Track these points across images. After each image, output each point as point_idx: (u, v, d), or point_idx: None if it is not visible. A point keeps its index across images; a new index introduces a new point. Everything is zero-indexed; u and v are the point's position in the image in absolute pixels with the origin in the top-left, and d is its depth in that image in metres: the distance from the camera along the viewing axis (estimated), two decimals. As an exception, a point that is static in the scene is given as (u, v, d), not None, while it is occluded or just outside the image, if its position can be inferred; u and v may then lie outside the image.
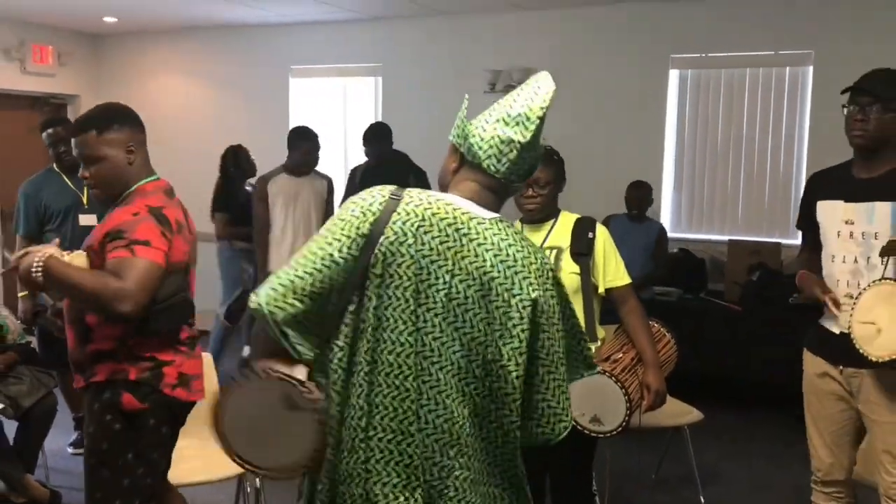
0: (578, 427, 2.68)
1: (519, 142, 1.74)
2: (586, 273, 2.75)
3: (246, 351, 5.61)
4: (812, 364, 2.83)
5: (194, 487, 3.12)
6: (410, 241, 1.67)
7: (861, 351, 2.47)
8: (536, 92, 1.78)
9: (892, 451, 2.61)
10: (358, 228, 1.68)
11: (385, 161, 5.46)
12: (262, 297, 1.67)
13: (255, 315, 1.69)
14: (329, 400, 1.70)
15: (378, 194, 1.73)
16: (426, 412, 1.66)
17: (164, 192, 2.76)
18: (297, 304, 1.66)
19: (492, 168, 1.75)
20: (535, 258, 1.73)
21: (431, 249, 1.67)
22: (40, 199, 4.26)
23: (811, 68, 5.53)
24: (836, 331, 2.67)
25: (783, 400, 5.16)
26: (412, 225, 1.67)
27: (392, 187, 1.75)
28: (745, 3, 5.60)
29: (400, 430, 1.66)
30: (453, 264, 1.66)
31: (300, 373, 1.68)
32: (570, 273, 2.75)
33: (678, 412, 3.88)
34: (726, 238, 5.69)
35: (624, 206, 5.54)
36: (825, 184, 2.81)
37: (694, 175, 5.97)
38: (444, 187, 1.83)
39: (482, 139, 1.75)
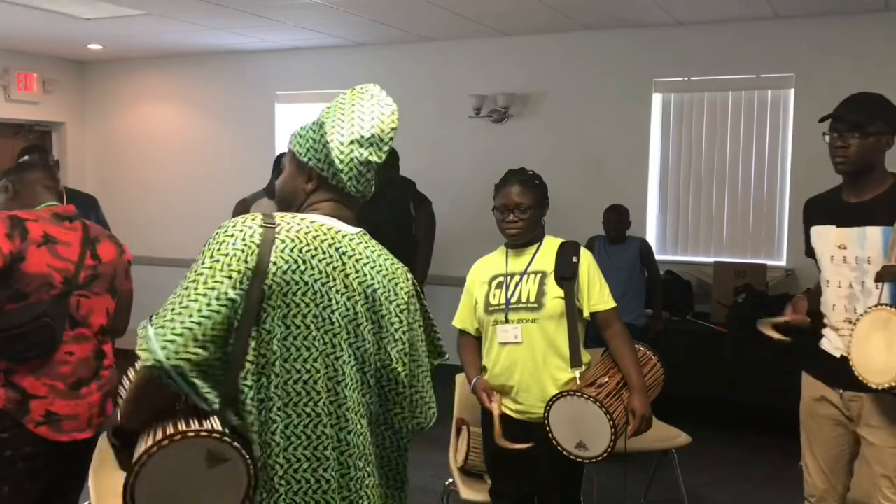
0: (564, 452, 2.67)
1: (375, 162, 1.79)
2: (571, 297, 2.75)
3: None
4: (811, 388, 2.82)
5: None
6: (302, 267, 1.65)
7: (861, 378, 2.45)
8: (382, 110, 1.81)
9: (891, 476, 2.58)
10: (246, 262, 1.60)
11: (384, 186, 5.40)
12: (157, 351, 1.51)
13: (151, 372, 1.53)
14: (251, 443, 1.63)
15: (252, 224, 1.66)
16: (338, 431, 1.68)
17: (52, 213, 2.71)
18: (201, 351, 1.54)
19: (353, 189, 1.79)
20: (397, 264, 1.84)
21: (321, 273, 1.67)
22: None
23: (793, 91, 5.58)
24: (837, 354, 2.66)
25: (771, 422, 5.18)
26: (299, 251, 1.65)
27: (261, 214, 1.70)
28: (727, 27, 5.67)
29: (315, 456, 1.65)
30: (342, 284, 1.70)
31: (216, 424, 1.58)
32: (554, 298, 2.75)
33: (666, 436, 3.86)
34: (712, 260, 5.72)
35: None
36: (817, 209, 2.82)
37: (679, 197, 6.00)
38: (292, 206, 1.81)
39: (342, 162, 1.75)
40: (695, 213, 5.96)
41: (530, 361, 2.76)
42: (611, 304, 2.84)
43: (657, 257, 5.68)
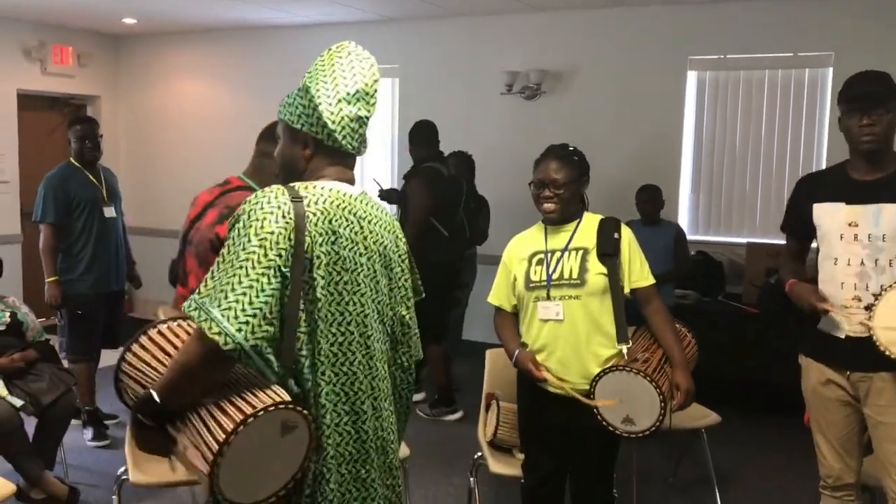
0: (610, 427, 2.66)
1: (366, 116, 1.84)
2: (614, 274, 2.72)
3: None
4: (815, 372, 2.80)
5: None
6: (333, 238, 1.71)
7: (888, 354, 2.43)
8: (362, 64, 1.85)
9: None
10: (289, 239, 1.65)
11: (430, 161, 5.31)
12: (235, 333, 1.56)
13: (214, 352, 1.57)
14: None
15: (283, 198, 1.69)
16: (370, 381, 1.80)
17: None
18: (270, 328, 1.61)
19: (350, 147, 1.83)
20: (392, 217, 1.96)
21: (348, 240, 1.76)
22: (67, 189, 4.59)
23: (831, 70, 5.49)
24: (841, 335, 2.65)
25: (801, 403, 5.14)
26: (329, 222, 1.72)
27: (283, 187, 1.73)
28: (765, 4, 5.58)
29: (354, 410, 1.76)
30: (363, 246, 1.79)
31: (281, 393, 1.66)
32: (597, 274, 2.73)
33: (696, 415, 3.85)
34: (744, 240, 5.66)
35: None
36: (821, 186, 2.79)
37: (712, 177, 5.94)
38: (295, 175, 1.83)
39: (334, 122, 1.78)
40: (728, 194, 5.90)
41: (572, 338, 2.74)
42: (651, 279, 2.82)
43: (689, 237, 5.65)
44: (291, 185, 1.75)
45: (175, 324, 1.85)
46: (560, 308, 2.73)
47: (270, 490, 1.65)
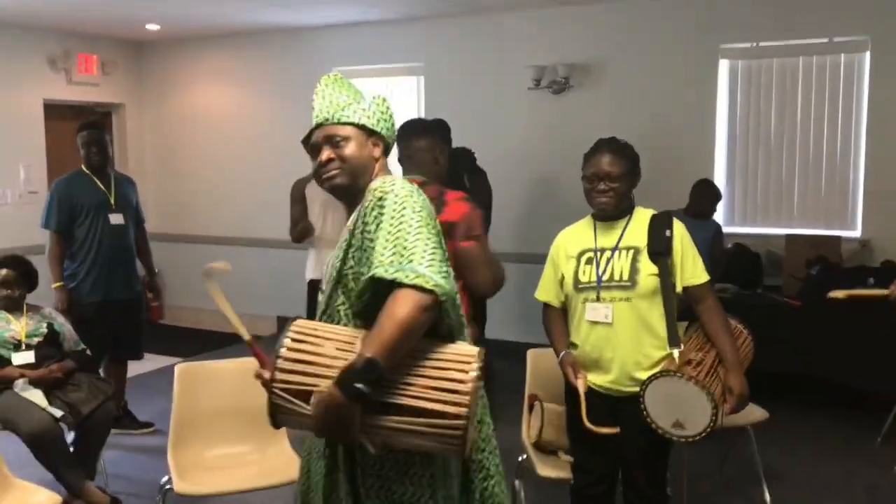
0: (659, 431, 2.59)
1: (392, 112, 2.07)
2: (666, 274, 2.64)
3: None
4: None
5: (250, 493, 3.10)
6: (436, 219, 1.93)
7: None
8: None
9: None
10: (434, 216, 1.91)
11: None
12: (446, 286, 1.72)
13: (428, 307, 1.70)
14: None
15: (411, 186, 1.91)
16: None
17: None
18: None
19: (392, 140, 2.07)
20: None
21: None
22: (71, 195, 4.60)
23: (868, 55, 5.37)
24: None
25: (845, 397, 5.04)
26: (429, 206, 1.92)
27: (404, 179, 1.95)
28: (797, -11, 5.47)
29: None
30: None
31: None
32: (648, 275, 2.65)
33: (743, 412, 3.75)
34: (783, 232, 5.55)
35: (673, 202, 5.38)
36: None
37: (747, 168, 5.84)
38: (363, 177, 1.97)
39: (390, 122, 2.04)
40: (764, 184, 5.79)
41: (622, 341, 2.67)
42: (704, 277, 2.73)
43: (725, 229, 5.57)
44: (401, 177, 1.94)
45: (310, 326, 1.83)
46: (609, 311, 2.66)
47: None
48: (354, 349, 1.72)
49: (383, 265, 1.73)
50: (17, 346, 3.81)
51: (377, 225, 1.82)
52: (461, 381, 1.69)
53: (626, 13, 6.00)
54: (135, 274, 4.82)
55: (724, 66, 5.80)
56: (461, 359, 1.74)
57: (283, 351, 1.74)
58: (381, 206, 1.83)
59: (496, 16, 6.40)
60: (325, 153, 1.97)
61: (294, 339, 1.76)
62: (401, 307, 1.68)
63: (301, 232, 5.08)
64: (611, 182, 2.68)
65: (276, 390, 1.73)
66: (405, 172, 2.98)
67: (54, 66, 7.09)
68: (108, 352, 4.69)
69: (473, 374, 1.71)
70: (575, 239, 2.81)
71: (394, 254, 1.75)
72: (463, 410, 1.67)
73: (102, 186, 4.65)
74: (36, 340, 3.87)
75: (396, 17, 6.56)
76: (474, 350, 1.79)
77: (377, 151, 2.00)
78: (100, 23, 6.86)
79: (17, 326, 3.86)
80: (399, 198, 1.84)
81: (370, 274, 1.74)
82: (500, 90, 6.42)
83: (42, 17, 6.49)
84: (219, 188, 7.75)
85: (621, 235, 2.72)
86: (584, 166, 2.75)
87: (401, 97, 6.92)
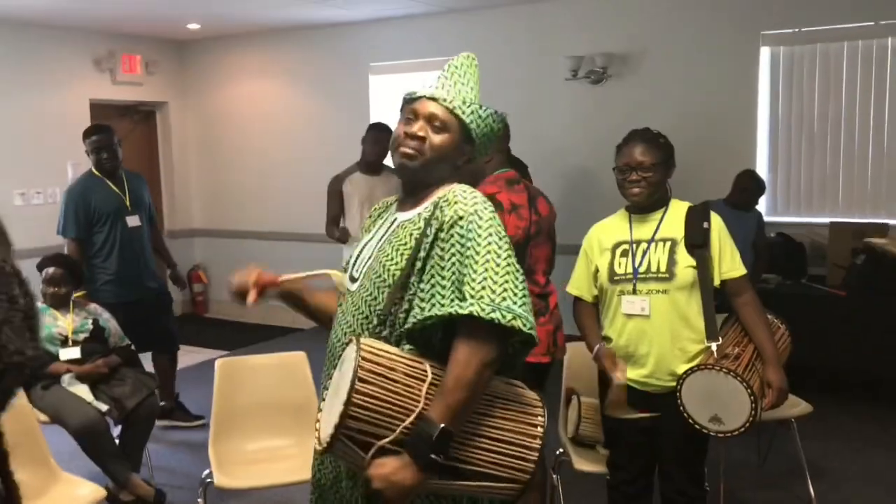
0: (696, 426, 2.57)
1: None
2: (703, 267, 2.60)
3: None
4: None
5: (290, 487, 3.13)
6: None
7: None
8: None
9: None
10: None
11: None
12: (532, 324, 1.68)
13: (495, 359, 1.66)
14: None
15: (488, 202, 1.80)
16: None
17: (505, 181, 3.24)
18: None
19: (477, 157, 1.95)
20: None
21: None
22: (88, 202, 4.54)
23: (915, 38, 5.22)
24: None
25: (892, 391, 4.92)
26: None
27: (479, 194, 1.82)
28: (841, -28, 5.33)
29: None
30: None
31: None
32: (686, 267, 2.62)
33: (785, 404, 3.69)
34: (827, 220, 5.43)
35: (714, 192, 5.29)
36: None
37: (790, 156, 5.72)
38: (440, 174, 1.86)
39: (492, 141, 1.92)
40: (808, 172, 5.67)
41: (659, 334, 2.64)
42: (742, 270, 2.69)
43: (767, 219, 5.47)
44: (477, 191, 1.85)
45: (370, 348, 1.67)
46: (646, 303, 2.63)
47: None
48: (420, 391, 1.63)
49: (475, 301, 1.63)
50: (63, 342, 3.91)
51: (459, 248, 1.70)
52: (530, 446, 1.66)
53: (664, 1, 5.91)
54: (154, 271, 4.79)
55: (765, 53, 5.69)
56: (528, 412, 1.70)
57: (357, 386, 1.58)
58: (463, 227, 1.71)
59: (532, 6, 6.35)
60: (418, 126, 1.82)
61: (365, 369, 1.60)
62: (467, 369, 1.62)
63: (341, 236, 5.17)
64: (643, 172, 2.64)
65: (342, 436, 1.58)
66: None
67: (99, 66, 7.23)
68: (144, 350, 4.69)
69: (540, 426, 1.68)
70: (609, 231, 2.79)
71: (483, 288, 1.64)
72: (528, 474, 1.63)
73: (117, 189, 4.60)
74: (82, 336, 3.97)
75: (434, 10, 6.55)
76: (536, 396, 1.74)
77: (461, 160, 1.87)
78: (142, 23, 6.98)
79: (64, 323, 3.96)
80: (484, 222, 1.72)
81: (467, 311, 1.61)
82: (539, 81, 6.38)
83: (86, 19, 6.62)
84: (261, 183, 7.84)
85: (657, 227, 2.69)
86: (616, 157, 2.73)
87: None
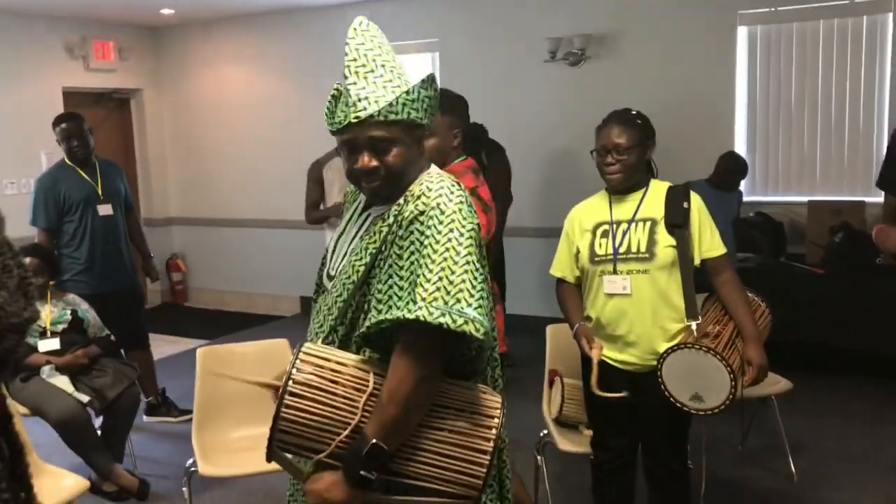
0: (677, 405, 2.59)
1: None
2: (683, 246, 2.61)
3: None
4: None
5: (274, 475, 3.10)
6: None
7: None
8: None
9: None
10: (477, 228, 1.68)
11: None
12: (486, 328, 1.54)
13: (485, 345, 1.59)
14: None
15: (461, 190, 1.68)
16: None
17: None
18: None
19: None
20: None
21: None
22: (58, 191, 4.47)
23: (891, 15, 5.25)
24: None
25: (872, 366, 4.98)
26: None
27: (452, 179, 1.71)
28: (817, -49, 5.34)
29: None
30: None
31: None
32: (666, 247, 2.63)
33: (766, 381, 3.72)
34: (805, 199, 5.48)
35: (693, 172, 5.30)
36: None
37: (768, 136, 5.75)
38: (411, 174, 1.71)
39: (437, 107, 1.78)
40: (786, 151, 5.71)
41: (639, 313, 2.65)
42: (722, 249, 2.70)
43: (746, 198, 5.51)
44: (448, 176, 1.73)
45: (310, 357, 1.61)
46: (627, 283, 2.64)
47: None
48: (358, 403, 1.55)
49: (426, 304, 1.52)
50: (42, 334, 3.87)
51: (417, 246, 1.59)
52: (477, 460, 1.56)
53: (642, -19, 5.90)
54: (128, 263, 4.69)
55: (742, 32, 5.70)
56: (480, 422, 1.59)
57: (287, 400, 1.55)
58: (423, 223, 1.60)
59: (510, -12, 6.33)
60: (367, 159, 1.65)
61: (298, 382, 1.56)
62: (401, 384, 1.52)
63: (318, 218, 5.12)
64: (619, 155, 2.64)
65: (275, 445, 1.57)
66: None
67: (72, 53, 7.12)
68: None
69: (493, 439, 1.57)
70: (590, 212, 2.79)
71: (438, 290, 1.53)
72: (478, 485, 1.55)
73: (88, 178, 4.51)
74: (61, 327, 3.93)
75: (410, -8, 6.51)
76: (497, 402, 1.63)
77: (421, 143, 1.73)
78: (115, 9, 6.87)
79: (42, 314, 3.92)
80: (446, 216, 1.59)
81: (414, 315, 1.50)
82: (517, 64, 6.36)
83: (58, 6, 6.51)
84: (238, 170, 7.78)
85: (637, 207, 2.70)
86: (595, 139, 2.73)
87: (416, 75, 6.85)
